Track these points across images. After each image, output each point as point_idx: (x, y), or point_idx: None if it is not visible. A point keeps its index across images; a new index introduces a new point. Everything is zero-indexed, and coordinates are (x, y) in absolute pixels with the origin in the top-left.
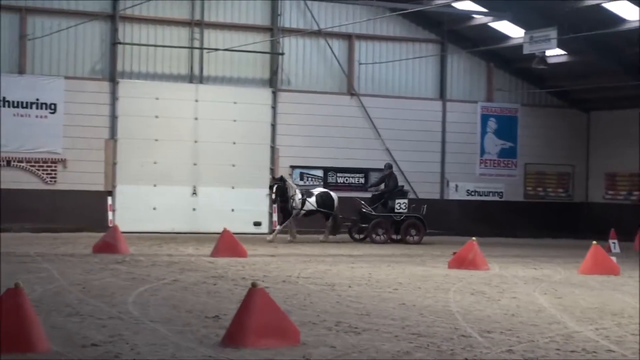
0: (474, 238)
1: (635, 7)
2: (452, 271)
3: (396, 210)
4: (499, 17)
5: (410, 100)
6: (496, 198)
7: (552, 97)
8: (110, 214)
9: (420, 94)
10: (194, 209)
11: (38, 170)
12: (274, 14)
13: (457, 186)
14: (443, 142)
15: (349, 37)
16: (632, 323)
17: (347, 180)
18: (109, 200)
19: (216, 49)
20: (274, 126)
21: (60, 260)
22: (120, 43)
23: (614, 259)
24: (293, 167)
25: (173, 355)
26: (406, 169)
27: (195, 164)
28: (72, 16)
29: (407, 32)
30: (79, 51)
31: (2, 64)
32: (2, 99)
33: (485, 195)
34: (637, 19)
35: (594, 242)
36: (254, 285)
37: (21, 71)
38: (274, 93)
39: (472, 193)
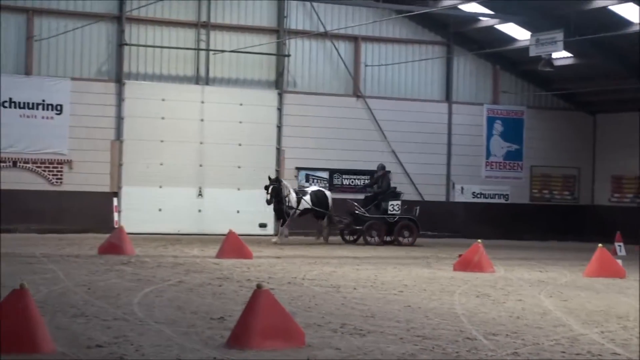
0: (479, 240)
1: None
2: (458, 273)
3: (389, 212)
4: (505, 20)
5: (416, 102)
6: (502, 200)
7: (558, 99)
8: (115, 215)
9: (426, 96)
10: (199, 211)
11: (44, 171)
12: (280, 15)
13: (462, 188)
14: (449, 144)
15: (355, 39)
16: (638, 326)
17: (352, 182)
18: (115, 201)
19: (222, 51)
20: (279, 128)
21: (66, 261)
22: (126, 44)
23: (619, 261)
24: (299, 169)
25: (178, 357)
26: (412, 171)
27: (201, 166)
28: (78, 17)
29: (413, 34)
30: (86, 52)
31: (9, 65)
32: (8, 99)
33: (491, 198)
34: None
35: (600, 244)
36: (259, 286)
37: (28, 72)
38: (280, 95)
39: (478, 195)
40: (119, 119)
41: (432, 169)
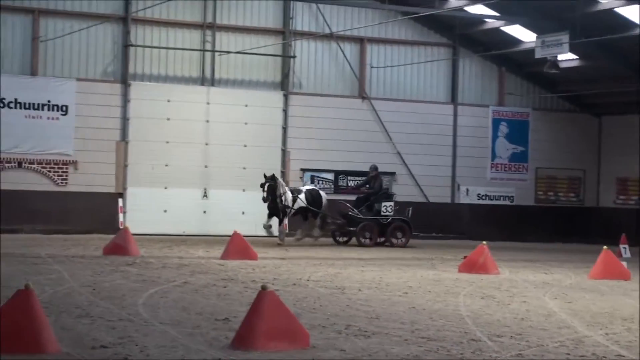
0: (484, 242)
1: None
2: (463, 275)
3: (382, 213)
4: (511, 21)
5: (422, 103)
6: (507, 202)
7: (563, 101)
8: (120, 215)
9: (431, 98)
10: (204, 212)
11: (49, 171)
12: (286, 17)
13: (467, 190)
14: (454, 145)
15: (360, 41)
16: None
17: (358, 183)
18: (120, 202)
19: (228, 52)
20: (285, 129)
21: (71, 262)
22: (132, 45)
23: (624, 264)
24: (304, 170)
25: (183, 357)
26: (417, 173)
27: (206, 167)
28: (84, 18)
29: (419, 36)
30: (91, 53)
31: (14, 66)
32: (13, 100)
33: (496, 200)
34: None
35: (605, 247)
36: (264, 288)
37: (33, 73)
38: (286, 96)
39: (483, 197)
40: (125, 119)
41: (438, 171)
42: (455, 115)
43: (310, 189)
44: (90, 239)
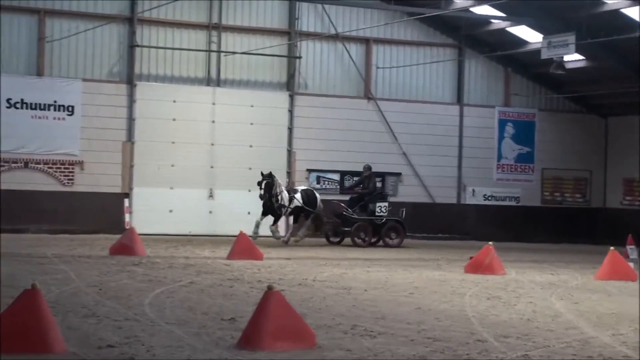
0: (490, 243)
1: None
2: (469, 276)
3: (377, 214)
4: (517, 22)
5: (428, 104)
6: (513, 203)
7: (569, 102)
8: (127, 216)
9: (437, 98)
10: (210, 212)
11: (55, 172)
12: (292, 17)
13: (474, 191)
14: (460, 146)
15: (366, 41)
16: None
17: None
18: (126, 202)
19: (233, 52)
20: (290, 129)
21: (77, 262)
22: (138, 46)
23: (631, 264)
24: (310, 171)
25: (189, 357)
26: (423, 173)
27: (212, 167)
28: (90, 19)
29: (424, 37)
30: (97, 53)
31: (21, 66)
32: (19, 100)
33: (502, 200)
34: None
35: (612, 247)
36: (269, 288)
37: (39, 73)
38: (291, 96)
39: (489, 198)
40: (130, 120)
41: (443, 171)
42: (461, 115)
43: (305, 189)
44: (96, 239)
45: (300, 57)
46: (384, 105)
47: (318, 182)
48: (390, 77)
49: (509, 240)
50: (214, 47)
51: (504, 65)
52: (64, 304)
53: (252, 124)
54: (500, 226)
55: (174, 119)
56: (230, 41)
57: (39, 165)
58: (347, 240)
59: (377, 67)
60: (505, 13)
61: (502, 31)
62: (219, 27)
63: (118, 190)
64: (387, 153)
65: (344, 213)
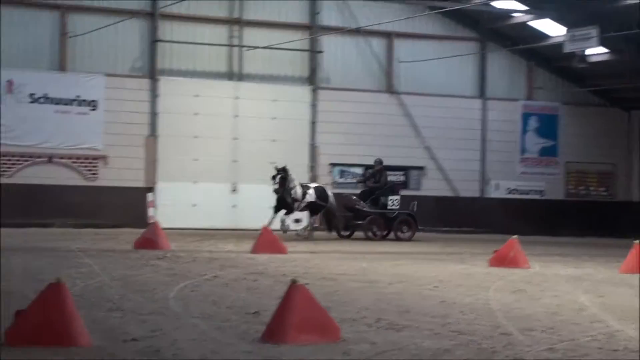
0: (515, 236)
1: None
2: (493, 269)
3: (389, 207)
4: (539, 16)
5: (450, 98)
6: (537, 196)
7: (593, 95)
8: (150, 210)
9: (460, 92)
10: (233, 206)
11: (79, 166)
12: (313, 12)
13: (497, 184)
14: (483, 140)
15: (388, 35)
16: None
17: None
18: (150, 196)
19: (255, 47)
20: (313, 124)
21: (102, 256)
22: (160, 41)
23: None
24: (333, 165)
25: (213, 351)
26: (446, 167)
27: (235, 161)
28: (112, 14)
29: (446, 30)
30: (119, 49)
31: (44, 61)
32: (43, 95)
33: (526, 194)
34: None
35: (636, 241)
36: (294, 281)
37: (62, 68)
38: (314, 91)
39: (513, 191)
40: (153, 114)
41: (467, 165)
42: (484, 109)
43: (317, 186)
44: (120, 233)
45: (322, 52)
46: (406, 100)
47: (341, 176)
48: (412, 71)
49: (533, 233)
50: (235, 41)
51: (526, 59)
52: (88, 297)
53: (274, 118)
54: (524, 220)
55: (196, 114)
56: (251, 36)
57: (62, 160)
58: (357, 234)
59: (399, 61)
60: (527, 6)
61: (525, 25)
62: (240, 22)
63: (141, 184)
64: (410, 147)
65: (356, 206)
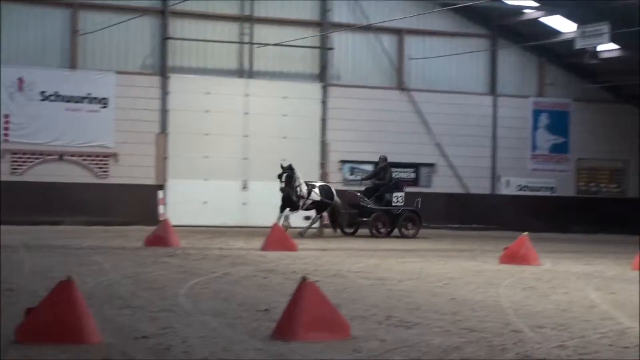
0: (525, 233)
1: None
2: (504, 266)
3: (393, 204)
4: (550, 12)
5: (461, 95)
6: (548, 193)
7: (604, 92)
8: (161, 207)
9: (470, 89)
10: (244, 203)
11: (90, 164)
12: (323, 8)
13: (508, 181)
14: (494, 137)
15: (398, 32)
16: None
17: (397, 175)
18: (160, 194)
19: (266, 44)
20: (324, 121)
21: (112, 253)
22: (170, 38)
23: None
24: (343, 162)
25: (224, 348)
26: (457, 164)
27: (245, 159)
28: (123, 11)
29: (457, 27)
30: (130, 46)
31: (54, 59)
32: (54, 93)
33: (536, 191)
34: None
35: None
36: (304, 278)
37: (73, 66)
38: (324, 88)
39: (524, 188)
40: (164, 112)
41: (477, 162)
42: (494, 106)
43: (322, 185)
44: (131, 231)
45: (332, 49)
46: (417, 96)
47: (352, 173)
48: (423, 68)
49: (543, 230)
50: (246, 39)
51: (537, 55)
52: (99, 295)
53: (285, 115)
54: (534, 216)
55: (207, 111)
56: (262, 33)
57: (73, 158)
58: (361, 231)
59: (410, 58)
60: (538, 2)
61: (536, 21)
62: (251, 19)
63: (152, 182)
64: (421, 144)
65: (361, 203)
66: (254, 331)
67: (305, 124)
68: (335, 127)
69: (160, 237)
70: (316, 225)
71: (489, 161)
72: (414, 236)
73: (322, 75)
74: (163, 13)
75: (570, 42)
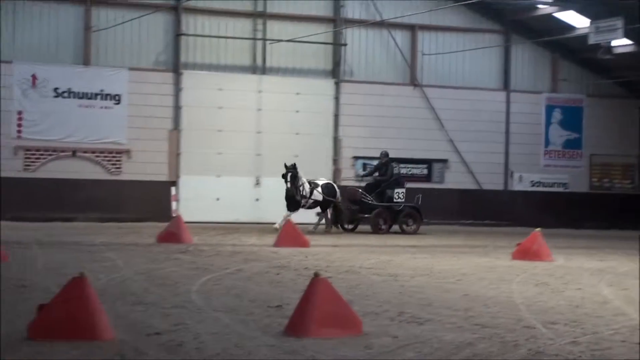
0: (538, 229)
1: None
2: (516, 262)
3: (395, 200)
4: (564, 7)
5: (474, 90)
6: (561, 189)
7: (617, 87)
8: (174, 204)
9: (483, 85)
10: (257, 200)
11: (103, 160)
12: (337, 4)
13: (521, 177)
14: (507, 132)
15: (411, 28)
16: None
17: (410, 170)
18: (173, 190)
19: (279, 40)
20: (337, 117)
21: (125, 250)
22: (183, 34)
23: None
24: (356, 158)
25: (236, 344)
26: (470, 160)
27: (258, 155)
28: (136, 8)
29: (470, 23)
30: (143, 43)
31: (68, 55)
32: (67, 89)
33: (549, 186)
34: None
35: None
36: (316, 275)
37: (86, 62)
38: (337, 84)
39: (537, 184)
40: (177, 108)
41: (490, 158)
42: (507, 102)
43: (326, 183)
44: (143, 227)
45: (345, 45)
46: (430, 92)
47: (364, 169)
48: (436, 64)
49: (556, 226)
50: (259, 35)
51: (550, 51)
52: (112, 291)
53: (298, 111)
54: (547, 212)
55: (220, 107)
56: (275, 29)
57: (86, 154)
58: (361, 227)
59: (423, 54)
60: None
61: (549, 16)
62: (264, 15)
63: (165, 178)
64: (434, 140)
65: (362, 199)
66: (266, 327)
67: (318, 120)
68: (348, 123)
69: (173, 233)
70: (323, 222)
71: (501, 157)
72: (414, 232)
73: (335, 71)
74: (176, 9)
75: (583, 37)
